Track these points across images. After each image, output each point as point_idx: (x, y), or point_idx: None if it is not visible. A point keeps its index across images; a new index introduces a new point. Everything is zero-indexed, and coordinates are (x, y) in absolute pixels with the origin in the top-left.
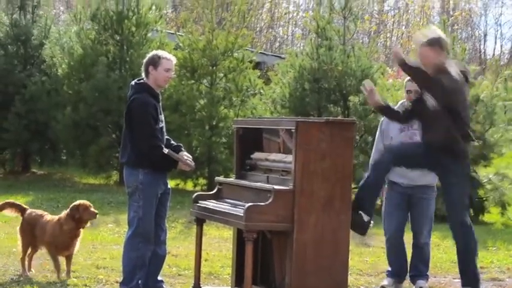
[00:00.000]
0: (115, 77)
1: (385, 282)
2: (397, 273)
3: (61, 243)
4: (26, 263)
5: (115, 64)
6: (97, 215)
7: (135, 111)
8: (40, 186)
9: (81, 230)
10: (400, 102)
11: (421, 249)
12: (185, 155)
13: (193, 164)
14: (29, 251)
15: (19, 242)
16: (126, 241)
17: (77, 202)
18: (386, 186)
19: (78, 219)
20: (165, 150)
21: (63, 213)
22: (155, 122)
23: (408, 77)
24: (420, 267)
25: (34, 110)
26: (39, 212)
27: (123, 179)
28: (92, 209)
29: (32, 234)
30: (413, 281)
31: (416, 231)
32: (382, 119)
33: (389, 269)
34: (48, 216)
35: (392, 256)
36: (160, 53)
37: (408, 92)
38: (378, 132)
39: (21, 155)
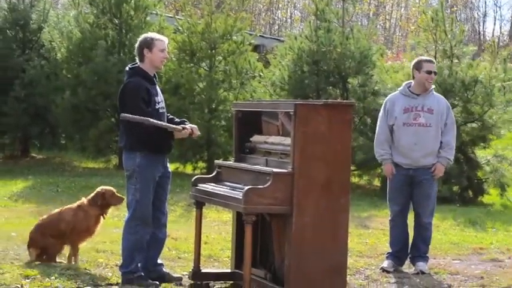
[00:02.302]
0: (114, 61)
1: (385, 264)
2: (397, 255)
3: (86, 229)
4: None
5: (114, 48)
6: (123, 200)
7: (126, 95)
8: (39, 170)
9: (104, 215)
10: (405, 84)
11: (423, 229)
12: (189, 125)
13: (189, 129)
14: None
15: None
16: (124, 224)
17: (103, 188)
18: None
19: (104, 204)
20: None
21: (84, 200)
22: (147, 105)
23: (424, 57)
24: (421, 247)
25: (33, 94)
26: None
27: (123, 162)
28: (118, 194)
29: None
30: (413, 262)
31: (418, 211)
32: (387, 98)
33: (390, 251)
34: (57, 210)
35: (395, 238)
36: (151, 35)
37: (429, 72)
38: (381, 112)
39: (20, 139)
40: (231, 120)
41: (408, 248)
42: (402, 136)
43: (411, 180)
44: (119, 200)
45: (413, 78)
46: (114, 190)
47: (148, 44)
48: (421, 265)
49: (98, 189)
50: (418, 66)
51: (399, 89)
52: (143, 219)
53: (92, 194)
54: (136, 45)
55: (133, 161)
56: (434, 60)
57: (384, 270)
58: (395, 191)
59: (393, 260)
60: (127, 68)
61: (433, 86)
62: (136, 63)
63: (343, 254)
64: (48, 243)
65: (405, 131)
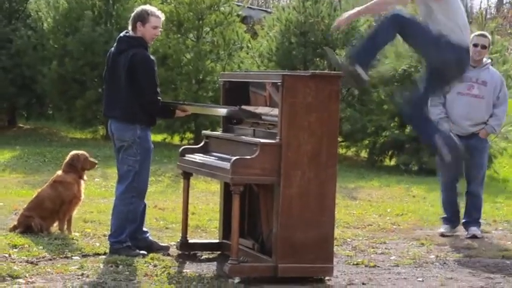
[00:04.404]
0: (101, 31)
1: (442, 229)
2: (451, 219)
3: (73, 197)
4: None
5: (101, 18)
6: (96, 165)
7: (141, 66)
8: (27, 140)
9: (83, 178)
10: None
11: (474, 196)
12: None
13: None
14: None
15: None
16: (118, 195)
17: (76, 152)
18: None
19: (79, 168)
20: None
21: (58, 172)
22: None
23: (479, 32)
24: (474, 214)
25: (20, 64)
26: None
27: (109, 132)
28: (92, 159)
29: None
30: (466, 227)
31: (470, 180)
32: None
33: (445, 215)
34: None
35: (446, 204)
36: (149, 9)
37: (475, 45)
38: None
39: (7, 110)
40: (219, 91)
41: (459, 213)
42: (455, 105)
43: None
44: (92, 165)
45: None
46: (87, 154)
47: (143, 17)
48: (474, 230)
49: (71, 153)
50: (471, 40)
51: None
52: (140, 190)
53: (66, 161)
54: (132, 14)
55: (134, 132)
56: (487, 35)
57: (442, 235)
58: None
59: (448, 224)
60: (123, 36)
61: (489, 61)
62: (128, 31)
63: (330, 224)
64: (36, 221)
65: (458, 101)
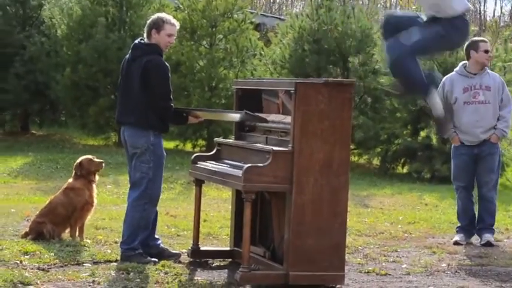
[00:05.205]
0: (114, 38)
1: (457, 238)
2: (466, 228)
3: (85, 202)
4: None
5: (114, 25)
6: (103, 164)
7: (155, 72)
8: (39, 147)
9: (93, 182)
10: (461, 64)
11: (488, 202)
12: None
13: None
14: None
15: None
16: (131, 202)
17: (79, 158)
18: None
19: (86, 173)
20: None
21: (69, 180)
22: None
23: (478, 37)
24: (487, 220)
25: (33, 71)
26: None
27: (122, 139)
28: (97, 160)
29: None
30: (480, 233)
31: (482, 185)
32: (444, 79)
33: (459, 224)
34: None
35: (461, 212)
36: (164, 17)
37: (486, 51)
38: (439, 92)
39: (20, 116)
40: (232, 98)
41: (475, 222)
42: (464, 114)
43: (476, 158)
44: (98, 165)
45: (469, 58)
46: (91, 157)
47: (158, 25)
48: (488, 236)
49: (76, 161)
50: (475, 46)
51: (455, 69)
52: (153, 197)
53: (73, 169)
54: (148, 22)
55: (147, 138)
56: (487, 40)
57: (456, 243)
58: (460, 170)
59: (463, 233)
60: (138, 43)
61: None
62: (143, 38)
63: (342, 232)
64: (48, 227)
65: (466, 109)
